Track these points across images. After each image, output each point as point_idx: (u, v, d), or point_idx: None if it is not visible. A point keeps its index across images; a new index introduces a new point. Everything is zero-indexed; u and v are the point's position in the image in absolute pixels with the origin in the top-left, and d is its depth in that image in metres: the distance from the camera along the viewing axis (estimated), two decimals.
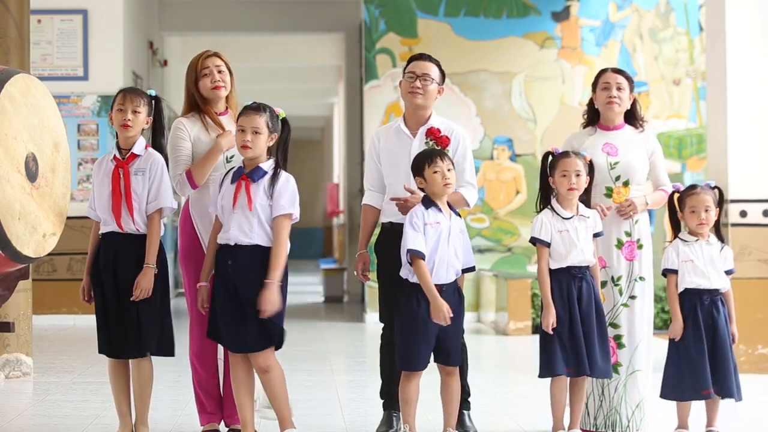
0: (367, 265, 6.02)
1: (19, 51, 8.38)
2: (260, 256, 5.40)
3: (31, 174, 5.71)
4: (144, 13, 14.17)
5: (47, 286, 12.09)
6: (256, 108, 5.49)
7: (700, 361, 5.76)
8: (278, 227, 5.43)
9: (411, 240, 5.52)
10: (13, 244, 5.56)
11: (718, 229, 5.92)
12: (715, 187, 5.92)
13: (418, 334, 5.52)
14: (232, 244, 5.43)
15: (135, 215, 5.57)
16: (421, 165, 5.61)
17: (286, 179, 5.48)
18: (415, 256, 5.49)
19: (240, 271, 5.40)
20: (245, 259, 5.40)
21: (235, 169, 5.53)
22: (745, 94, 8.43)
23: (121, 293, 5.56)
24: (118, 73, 12.52)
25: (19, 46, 8.39)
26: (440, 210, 5.58)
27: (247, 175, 5.46)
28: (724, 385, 5.76)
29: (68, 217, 6.14)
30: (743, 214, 8.36)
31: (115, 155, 5.64)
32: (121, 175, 5.58)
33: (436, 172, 5.56)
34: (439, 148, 5.83)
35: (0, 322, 6.28)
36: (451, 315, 5.49)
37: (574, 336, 5.70)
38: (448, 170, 5.57)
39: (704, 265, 5.83)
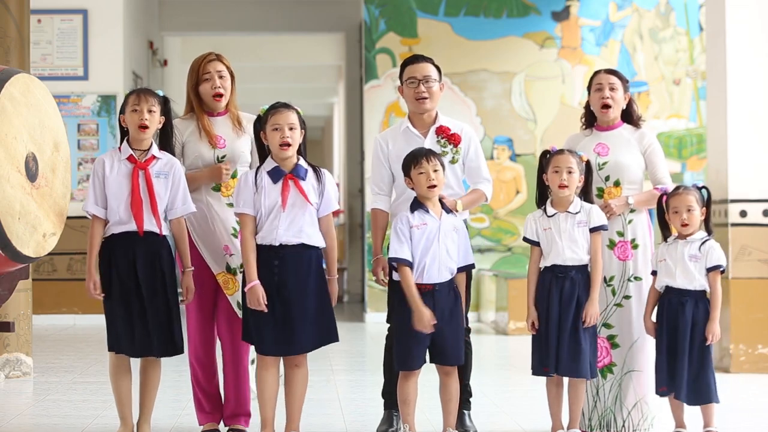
0: (386, 270, 5.80)
1: (19, 51, 8.38)
2: (306, 254, 5.41)
3: (31, 174, 5.71)
4: (144, 13, 14.17)
5: (47, 286, 12.10)
6: (287, 105, 5.46)
7: (657, 360, 5.78)
8: (329, 224, 5.49)
9: (392, 248, 5.53)
10: (13, 244, 5.56)
11: (708, 226, 5.87)
12: (702, 187, 5.90)
13: (411, 335, 5.51)
14: (277, 244, 5.39)
15: (159, 217, 5.53)
16: (407, 166, 5.60)
17: (328, 175, 5.52)
18: (400, 264, 5.50)
19: (290, 271, 5.36)
20: (293, 258, 5.37)
21: (269, 170, 5.42)
22: (745, 94, 8.43)
23: (148, 292, 5.50)
24: (118, 73, 12.53)
25: (19, 45, 8.39)
26: (427, 211, 5.56)
27: (292, 173, 5.42)
28: (677, 387, 5.72)
29: (68, 217, 6.14)
30: (743, 214, 8.35)
31: (131, 155, 5.54)
32: (142, 177, 5.52)
33: (421, 173, 5.54)
34: (451, 146, 5.84)
35: (0, 322, 6.28)
36: (434, 322, 5.46)
37: (548, 336, 5.72)
38: (434, 171, 5.53)
39: (674, 263, 5.79)
